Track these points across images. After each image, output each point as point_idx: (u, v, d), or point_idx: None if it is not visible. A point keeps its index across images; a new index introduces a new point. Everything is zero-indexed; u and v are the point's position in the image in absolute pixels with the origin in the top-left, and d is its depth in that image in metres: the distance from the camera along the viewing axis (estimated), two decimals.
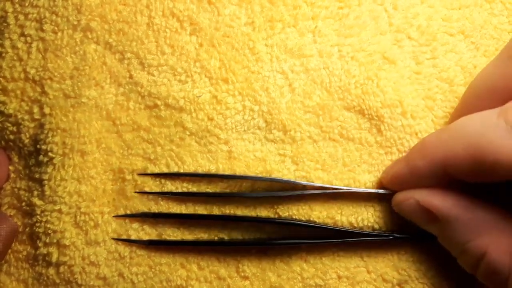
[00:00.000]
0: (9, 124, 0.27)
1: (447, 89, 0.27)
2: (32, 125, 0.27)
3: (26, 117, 0.27)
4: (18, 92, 0.27)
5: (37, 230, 0.26)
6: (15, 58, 0.27)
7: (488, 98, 0.22)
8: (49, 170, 0.26)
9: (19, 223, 0.27)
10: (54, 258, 0.25)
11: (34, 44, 0.27)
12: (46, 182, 0.26)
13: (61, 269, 0.26)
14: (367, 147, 0.26)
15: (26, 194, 0.27)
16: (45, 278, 0.26)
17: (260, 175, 0.26)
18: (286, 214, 0.26)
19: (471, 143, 0.20)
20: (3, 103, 0.27)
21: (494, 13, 0.27)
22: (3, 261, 0.27)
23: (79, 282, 0.25)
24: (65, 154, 0.26)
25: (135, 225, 0.26)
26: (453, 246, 0.23)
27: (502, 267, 0.20)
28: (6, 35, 0.27)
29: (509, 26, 0.27)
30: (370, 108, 0.26)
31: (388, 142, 0.26)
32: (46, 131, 0.26)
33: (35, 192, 0.26)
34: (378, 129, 0.26)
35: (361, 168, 0.26)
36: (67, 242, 0.26)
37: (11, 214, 0.27)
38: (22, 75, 0.27)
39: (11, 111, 0.27)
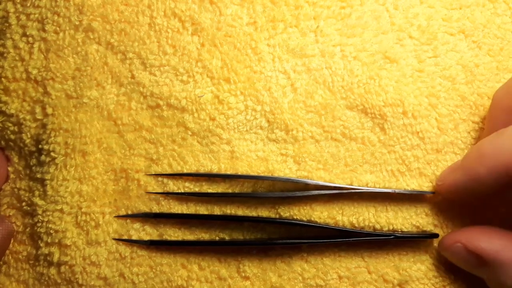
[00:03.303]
0: (10, 124, 0.28)
1: (450, 87, 0.28)
2: (34, 125, 0.28)
3: (28, 117, 0.28)
4: (20, 92, 0.28)
5: (38, 230, 0.27)
6: (17, 58, 0.28)
7: None
8: (51, 170, 0.27)
9: (18, 223, 0.28)
10: (55, 258, 0.27)
11: (36, 45, 0.28)
12: (48, 182, 0.27)
13: (62, 269, 0.27)
14: (370, 146, 0.28)
15: (27, 194, 0.28)
16: (46, 278, 0.27)
17: (262, 175, 0.27)
18: (287, 214, 0.27)
19: None
20: (5, 103, 0.28)
21: (498, 12, 0.29)
22: (1, 262, 0.28)
23: (80, 282, 0.27)
24: (67, 154, 0.27)
25: (136, 225, 0.27)
26: None
27: None
28: (8, 35, 0.28)
29: None
30: (373, 107, 0.28)
31: (391, 141, 0.28)
32: (48, 131, 0.27)
33: (37, 192, 0.27)
34: (381, 127, 0.28)
35: (363, 168, 0.28)
36: (68, 242, 0.27)
37: (10, 214, 0.28)
38: (24, 75, 0.28)
39: (12, 111, 0.28)
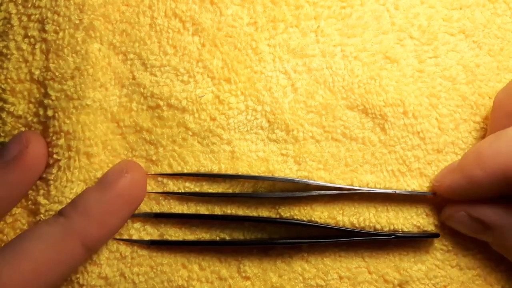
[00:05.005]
0: (20, 125, 0.28)
1: (450, 87, 0.28)
2: (40, 127, 0.28)
3: (35, 119, 0.28)
4: (26, 93, 0.28)
5: None
6: (20, 59, 0.28)
7: None
8: (54, 171, 0.27)
9: (23, 221, 0.28)
10: None
11: (37, 46, 0.28)
12: (52, 182, 0.27)
13: None
14: (370, 146, 0.28)
15: (33, 193, 0.28)
16: None
17: (262, 175, 0.28)
18: (288, 214, 0.28)
19: None
20: (12, 104, 0.28)
21: (498, 12, 0.29)
22: None
23: (81, 282, 0.27)
24: (70, 157, 0.27)
25: (137, 225, 0.28)
26: (508, 251, 0.25)
27: None
28: (11, 36, 0.29)
29: None
30: (374, 107, 0.28)
31: (392, 141, 0.28)
32: (51, 134, 0.28)
33: (41, 191, 0.28)
34: (381, 127, 0.28)
35: (363, 168, 0.28)
36: None
37: (16, 212, 0.28)
38: (28, 77, 0.28)
39: (20, 113, 0.28)
